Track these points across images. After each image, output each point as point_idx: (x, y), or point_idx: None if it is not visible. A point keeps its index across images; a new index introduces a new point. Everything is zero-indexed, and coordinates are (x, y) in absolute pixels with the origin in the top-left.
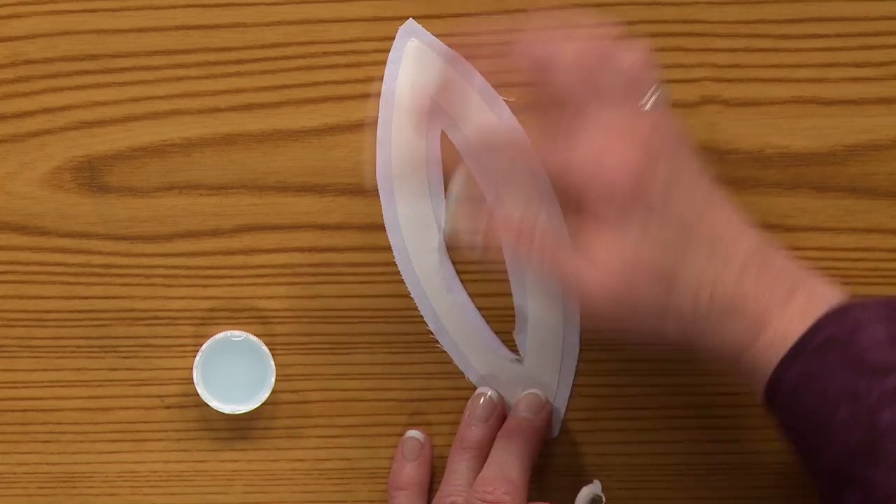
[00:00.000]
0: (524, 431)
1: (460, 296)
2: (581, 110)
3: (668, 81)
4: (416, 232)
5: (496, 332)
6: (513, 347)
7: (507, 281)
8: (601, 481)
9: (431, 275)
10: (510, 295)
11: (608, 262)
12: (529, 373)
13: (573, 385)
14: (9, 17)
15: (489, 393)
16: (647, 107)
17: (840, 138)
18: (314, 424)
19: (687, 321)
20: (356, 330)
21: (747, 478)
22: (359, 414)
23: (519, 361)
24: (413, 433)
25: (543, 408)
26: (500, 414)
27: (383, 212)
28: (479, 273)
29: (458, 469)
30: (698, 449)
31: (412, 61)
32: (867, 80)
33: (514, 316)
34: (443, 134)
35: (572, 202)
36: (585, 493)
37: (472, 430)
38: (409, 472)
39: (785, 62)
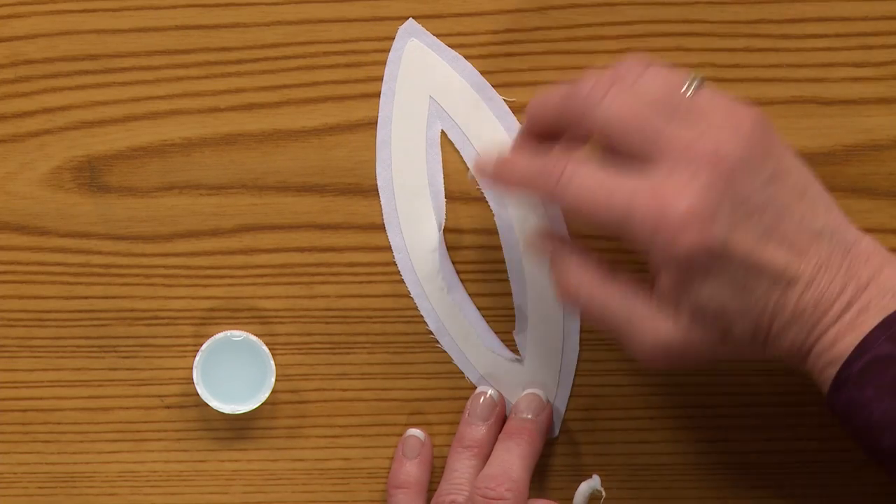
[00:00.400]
0: (526, 432)
1: (460, 296)
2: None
3: None
4: (416, 232)
5: (496, 332)
6: (513, 347)
7: (506, 281)
8: (603, 479)
9: (432, 275)
10: (510, 294)
11: (663, 320)
12: (529, 373)
13: (573, 385)
14: (9, 17)
15: (490, 392)
16: (690, 93)
17: (840, 138)
18: (314, 424)
19: (744, 348)
20: (356, 330)
21: (747, 478)
22: (359, 414)
23: (519, 361)
24: (413, 432)
25: (544, 408)
26: (501, 413)
27: (384, 211)
28: (480, 272)
29: (459, 467)
30: (698, 449)
31: (412, 61)
32: (867, 80)
33: (514, 315)
34: (442, 133)
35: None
36: (584, 488)
37: (473, 428)
38: (409, 470)
39: (785, 62)
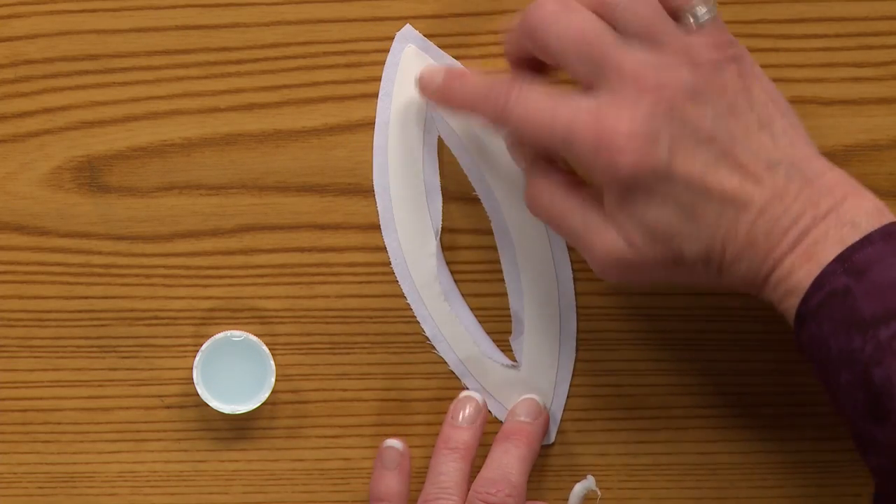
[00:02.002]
0: (524, 434)
1: (457, 302)
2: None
3: None
4: (412, 237)
5: (493, 334)
6: (509, 353)
7: (503, 282)
8: (600, 481)
9: (428, 281)
10: (506, 295)
11: (614, 234)
12: (526, 379)
13: (573, 385)
14: (9, 17)
15: (476, 397)
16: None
17: (840, 138)
18: (314, 424)
19: (699, 273)
20: (356, 330)
21: (747, 478)
22: (359, 414)
23: (515, 367)
24: (391, 442)
25: (541, 413)
26: (484, 417)
27: (380, 216)
28: (477, 273)
29: (445, 470)
30: (698, 449)
31: (409, 67)
32: (867, 80)
33: (510, 317)
34: (440, 139)
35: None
36: (579, 488)
37: (460, 430)
38: (389, 482)
39: (785, 62)
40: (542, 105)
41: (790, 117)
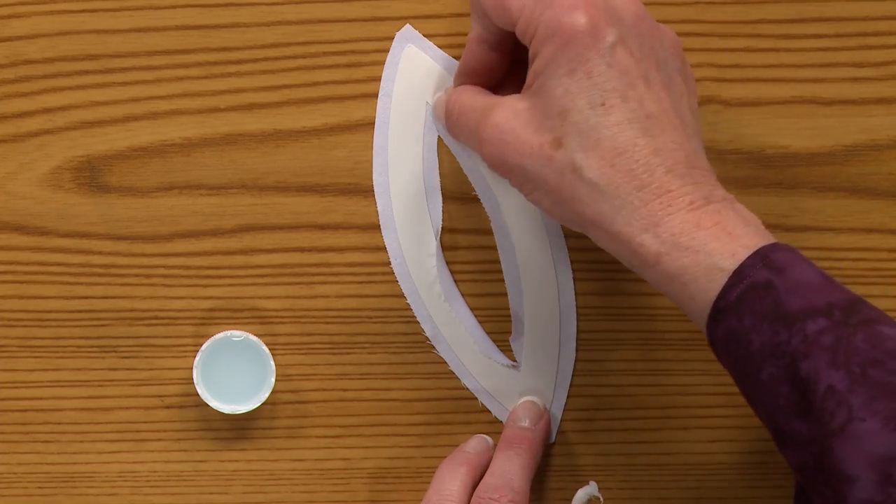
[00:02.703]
0: (526, 441)
1: (457, 303)
2: None
3: None
4: (412, 237)
5: (493, 334)
6: (509, 353)
7: (502, 281)
8: (600, 482)
9: (429, 281)
10: (506, 295)
11: (520, 101)
12: (526, 379)
13: (573, 385)
14: (9, 17)
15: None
16: None
17: (840, 138)
18: (314, 424)
19: (567, 182)
20: (356, 330)
21: (747, 478)
22: (359, 414)
23: (515, 368)
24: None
25: (542, 416)
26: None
27: (380, 217)
28: (477, 273)
29: (447, 479)
30: (698, 449)
31: (409, 67)
32: (867, 80)
33: (510, 317)
34: (439, 139)
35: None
36: (582, 494)
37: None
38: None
39: (785, 62)
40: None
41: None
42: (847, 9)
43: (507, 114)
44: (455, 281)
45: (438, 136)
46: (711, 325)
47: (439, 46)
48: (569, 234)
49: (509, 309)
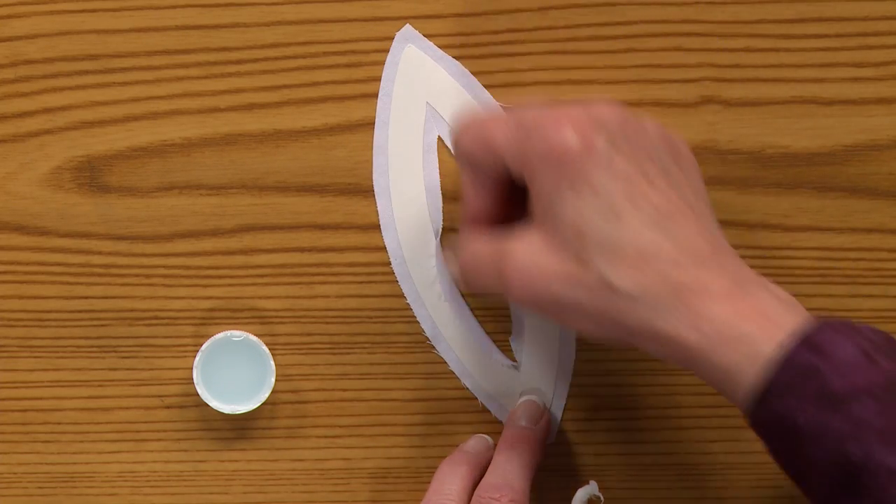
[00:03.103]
0: (526, 441)
1: (457, 303)
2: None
3: (668, 81)
4: (412, 237)
5: (493, 334)
6: (509, 353)
7: None
8: (600, 482)
9: (429, 281)
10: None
11: (532, 234)
12: (526, 379)
13: (573, 385)
14: (9, 17)
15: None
16: None
17: (840, 138)
18: (314, 424)
19: (599, 295)
20: (356, 330)
21: (747, 478)
22: (359, 414)
23: (515, 367)
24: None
25: (542, 415)
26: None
27: (380, 216)
28: None
29: (447, 479)
30: (698, 449)
31: (409, 67)
32: (867, 80)
33: (510, 318)
34: (439, 139)
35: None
36: (582, 494)
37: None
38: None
39: (785, 62)
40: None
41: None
42: (847, 9)
43: (525, 250)
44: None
45: (438, 136)
46: (754, 407)
47: (439, 47)
48: None
49: (509, 309)
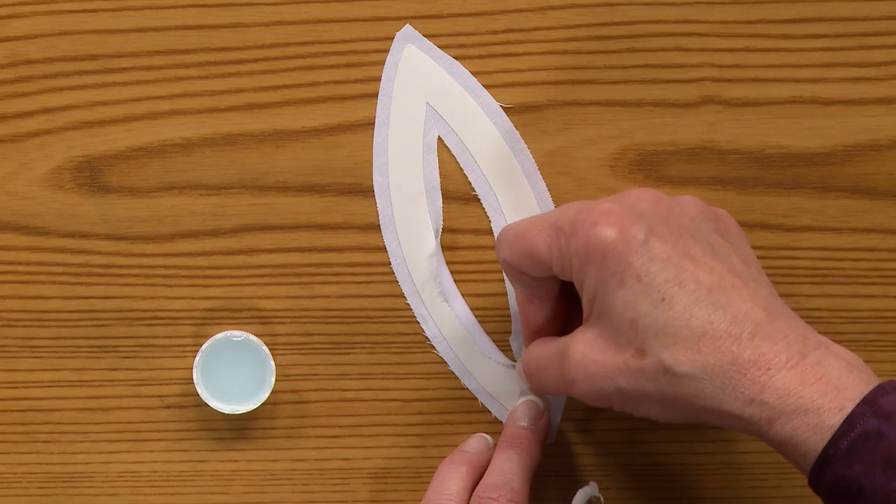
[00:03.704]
0: (525, 440)
1: (457, 303)
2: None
3: (668, 81)
4: (412, 237)
5: (493, 334)
6: (509, 353)
7: (502, 281)
8: (600, 482)
9: (428, 281)
10: (507, 295)
11: (588, 333)
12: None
13: None
14: (9, 17)
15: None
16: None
17: (840, 138)
18: (314, 424)
19: (661, 380)
20: (356, 330)
21: (747, 478)
22: (359, 414)
23: (515, 367)
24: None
25: (542, 415)
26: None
27: (380, 216)
28: (477, 273)
29: (447, 479)
30: (698, 449)
31: (409, 67)
32: (867, 80)
33: (510, 318)
34: (439, 139)
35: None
36: (581, 495)
37: (472, 440)
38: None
39: (785, 62)
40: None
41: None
42: (847, 9)
43: (583, 347)
44: (455, 281)
45: (438, 136)
46: (817, 470)
47: (440, 47)
48: None
49: (509, 309)
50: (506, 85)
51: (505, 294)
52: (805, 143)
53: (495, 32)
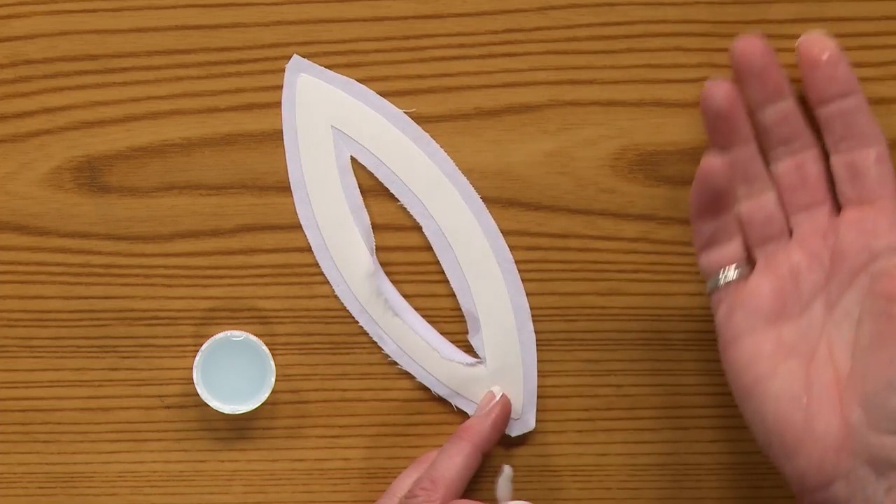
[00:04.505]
0: (467, 432)
1: (407, 314)
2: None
3: (668, 81)
4: (349, 261)
5: (449, 334)
6: (471, 352)
7: (446, 282)
8: (600, 482)
9: (373, 299)
10: (453, 295)
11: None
12: (493, 372)
13: (572, 385)
14: (9, 17)
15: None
16: None
17: None
18: (314, 424)
19: None
20: (356, 330)
21: (747, 478)
22: (359, 414)
23: (481, 363)
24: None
25: (494, 407)
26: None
27: (313, 248)
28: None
29: (401, 479)
30: (698, 449)
31: (306, 96)
32: (867, 80)
33: (460, 317)
34: (352, 159)
35: None
36: (503, 479)
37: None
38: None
39: (785, 62)
40: None
41: None
42: (847, 9)
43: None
44: (403, 296)
45: (351, 156)
46: None
47: (439, 47)
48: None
49: (458, 308)
50: (506, 85)
51: (452, 295)
52: None
53: (495, 32)
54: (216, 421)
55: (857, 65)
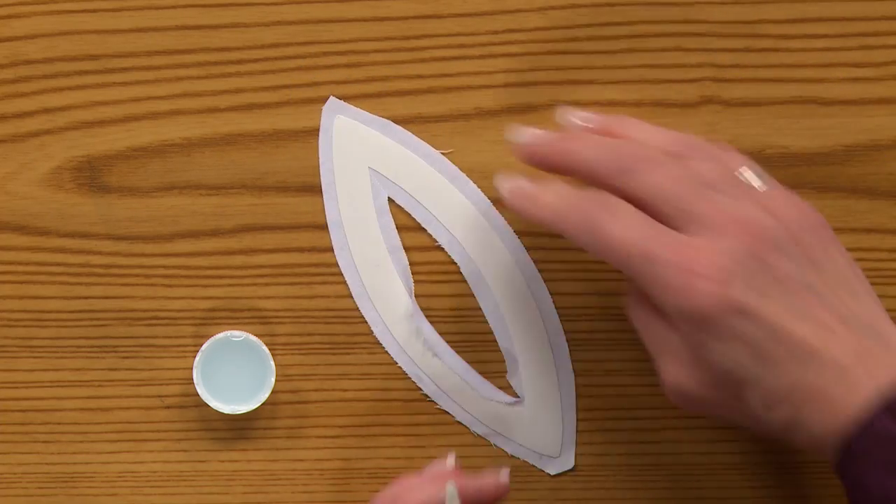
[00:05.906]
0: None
1: (446, 355)
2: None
3: (668, 81)
4: (388, 302)
5: (489, 374)
6: (510, 391)
7: (486, 322)
8: (600, 482)
9: (412, 341)
10: (492, 334)
11: (681, 367)
12: (532, 411)
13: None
14: (9, 17)
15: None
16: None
17: (840, 138)
18: (314, 424)
19: (758, 419)
20: (356, 330)
21: (747, 478)
22: (359, 414)
23: (520, 402)
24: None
25: (489, 478)
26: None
27: (351, 289)
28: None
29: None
30: (698, 449)
31: (343, 138)
32: (867, 80)
33: (501, 357)
34: (390, 200)
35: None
36: (449, 499)
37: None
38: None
39: (785, 62)
40: (632, 224)
41: (866, 285)
42: (847, 9)
43: (680, 382)
44: (440, 334)
45: (388, 196)
46: (840, 470)
47: (439, 48)
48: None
49: (497, 349)
50: (506, 85)
51: (488, 333)
52: (805, 143)
53: (495, 32)
54: (216, 421)
55: (857, 65)
